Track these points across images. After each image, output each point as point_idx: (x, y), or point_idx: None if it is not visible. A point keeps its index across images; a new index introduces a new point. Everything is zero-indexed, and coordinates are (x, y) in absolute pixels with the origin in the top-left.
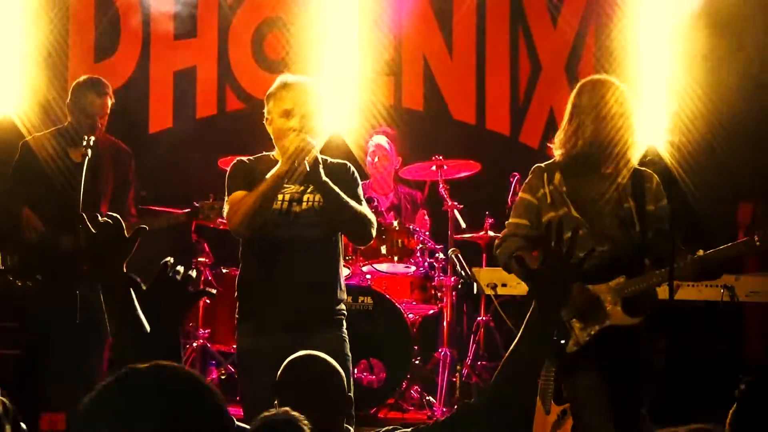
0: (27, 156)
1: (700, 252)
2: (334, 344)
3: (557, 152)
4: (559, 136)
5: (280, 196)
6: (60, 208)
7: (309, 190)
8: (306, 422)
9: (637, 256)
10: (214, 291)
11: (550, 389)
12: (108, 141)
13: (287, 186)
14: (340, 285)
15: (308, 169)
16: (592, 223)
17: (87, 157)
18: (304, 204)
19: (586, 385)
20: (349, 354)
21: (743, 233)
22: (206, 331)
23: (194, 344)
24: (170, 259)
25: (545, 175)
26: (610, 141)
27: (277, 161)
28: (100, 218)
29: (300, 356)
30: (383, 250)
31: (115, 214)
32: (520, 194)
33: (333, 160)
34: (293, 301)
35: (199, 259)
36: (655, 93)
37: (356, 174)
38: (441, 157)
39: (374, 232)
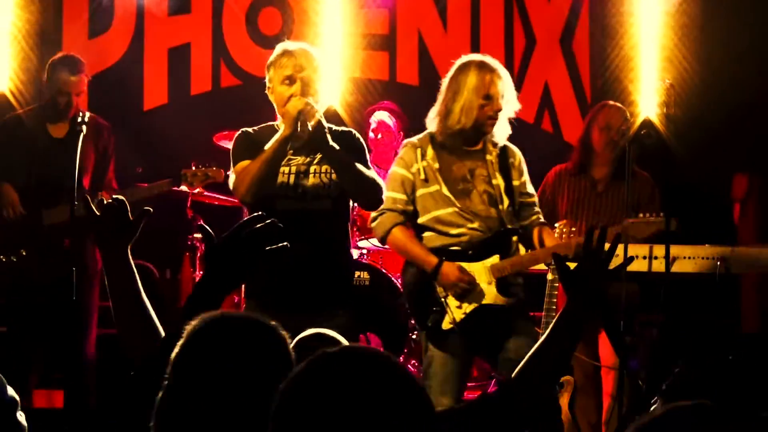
0: (4, 133)
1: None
2: (344, 320)
3: (430, 127)
4: (432, 111)
5: (285, 169)
6: (40, 184)
7: (315, 162)
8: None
9: (507, 232)
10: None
11: None
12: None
13: (293, 158)
14: (350, 257)
15: (311, 131)
16: (462, 201)
17: (82, 133)
18: (311, 176)
19: (452, 359)
20: (358, 327)
21: (739, 205)
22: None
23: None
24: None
25: (418, 150)
26: (476, 120)
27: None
28: (105, 201)
29: (308, 335)
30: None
31: (120, 197)
32: (393, 168)
33: (338, 128)
34: (301, 277)
35: (195, 235)
36: (649, 65)
37: (362, 141)
38: None
39: (383, 197)
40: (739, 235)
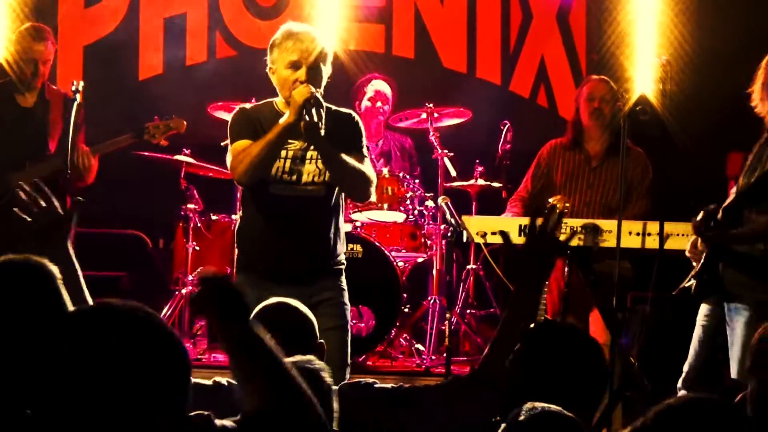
0: None
1: None
2: (333, 294)
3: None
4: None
5: (283, 153)
6: (8, 154)
7: (312, 147)
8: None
9: None
10: None
11: None
12: (53, 89)
13: (290, 142)
14: (340, 238)
15: (315, 121)
16: None
17: (76, 102)
18: (308, 162)
19: None
20: (348, 304)
21: (734, 183)
22: (195, 278)
23: (183, 291)
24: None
25: None
26: None
27: (279, 110)
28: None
29: (271, 303)
30: (373, 197)
31: (45, 191)
32: None
33: (338, 109)
34: (293, 255)
35: (189, 205)
36: (646, 41)
37: (361, 125)
38: (431, 105)
39: (373, 190)
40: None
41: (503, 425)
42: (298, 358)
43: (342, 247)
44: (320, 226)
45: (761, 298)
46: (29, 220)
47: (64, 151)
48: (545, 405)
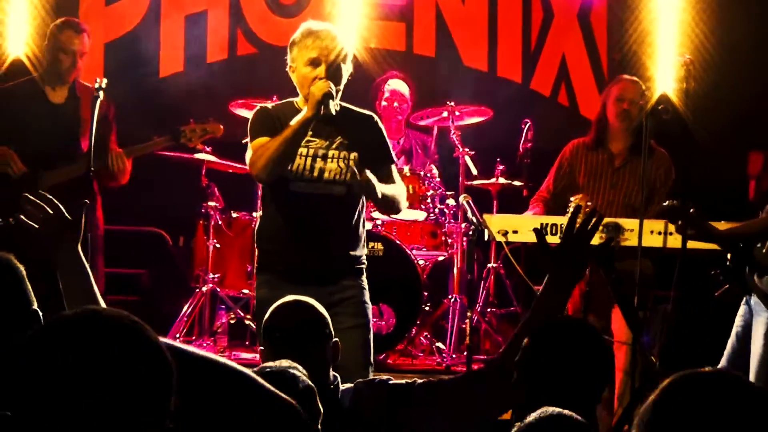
0: (3, 99)
1: None
2: (354, 292)
3: None
4: None
5: (303, 151)
6: (37, 150)
7: (334, 146)
8: (303, 371)
9: None
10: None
11: None
12: (84, 86)
13: (312, 140)
14: (362, 236)
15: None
16: None
17: (99, 99)
18: (329, 161)
19: None
20: (369, 303)
21: (754, 182)
22: (216, 276)
23: (203, 289)
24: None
25: None
26: None
27: (300, 108)
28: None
29: (286, 301)
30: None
31: (48, 196)
32: None
33: (359, 110)
34: (314, 254)
35: (209, 203)
36: (668, 40)
37: (382, 127)
38: (452, 104)
39: (404, 206)
40: (754, 211)
41: (516, 425)
42: (279, 363)
43: (363, 246)
44: (341, 225)
45: None
46: (36, 227)
47: (92, 150)
48: (558, 409)
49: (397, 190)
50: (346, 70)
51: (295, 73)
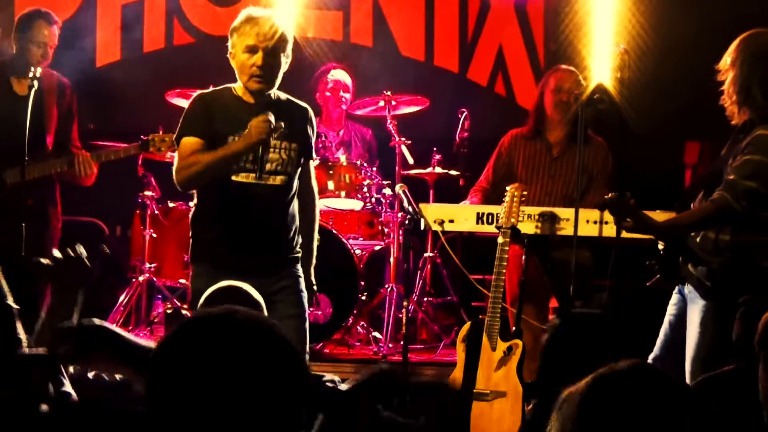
0: None
1: None
2: (290, 282)
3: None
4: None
5: None
6: (2, 142)
7: (275, 137)
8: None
9: None
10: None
11: (496, 326)
12: (50, 74)
13: None
14: (297, 227)
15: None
16: None
17: (34, 89)
18: (271, 151)
19: None
20: (305, 291)
21: (691, 171)
22: (152, 266)
23: (140, 278)
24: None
25: None
26: None
27: (238, 95)
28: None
29: (221, 287)
30: (330, 185)
31: (80, 249)
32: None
33: (294, 100)
34: (250, 243)
35: (146, 192)
36: (604, 30)
37: (314, 120)
38: (389, 93)
39: (318, 208)
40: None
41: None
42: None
43: (297, 235)
44: (279, 215)
45: (713, 293)
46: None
47: (63, 142)
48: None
49: (315, 214)
50: (286, 60)
51: (234, 59)
